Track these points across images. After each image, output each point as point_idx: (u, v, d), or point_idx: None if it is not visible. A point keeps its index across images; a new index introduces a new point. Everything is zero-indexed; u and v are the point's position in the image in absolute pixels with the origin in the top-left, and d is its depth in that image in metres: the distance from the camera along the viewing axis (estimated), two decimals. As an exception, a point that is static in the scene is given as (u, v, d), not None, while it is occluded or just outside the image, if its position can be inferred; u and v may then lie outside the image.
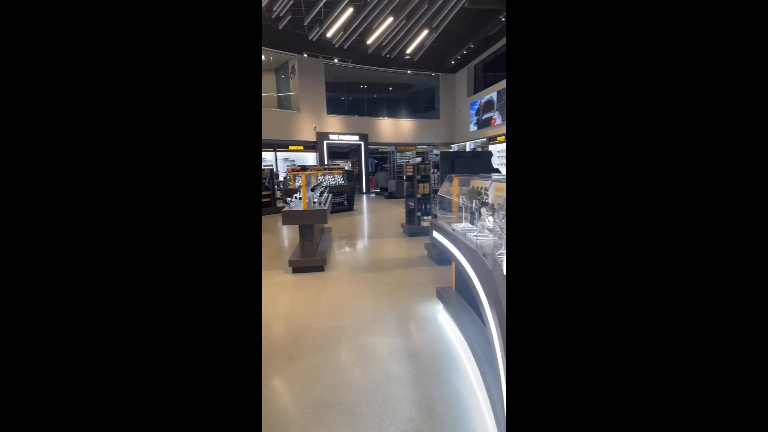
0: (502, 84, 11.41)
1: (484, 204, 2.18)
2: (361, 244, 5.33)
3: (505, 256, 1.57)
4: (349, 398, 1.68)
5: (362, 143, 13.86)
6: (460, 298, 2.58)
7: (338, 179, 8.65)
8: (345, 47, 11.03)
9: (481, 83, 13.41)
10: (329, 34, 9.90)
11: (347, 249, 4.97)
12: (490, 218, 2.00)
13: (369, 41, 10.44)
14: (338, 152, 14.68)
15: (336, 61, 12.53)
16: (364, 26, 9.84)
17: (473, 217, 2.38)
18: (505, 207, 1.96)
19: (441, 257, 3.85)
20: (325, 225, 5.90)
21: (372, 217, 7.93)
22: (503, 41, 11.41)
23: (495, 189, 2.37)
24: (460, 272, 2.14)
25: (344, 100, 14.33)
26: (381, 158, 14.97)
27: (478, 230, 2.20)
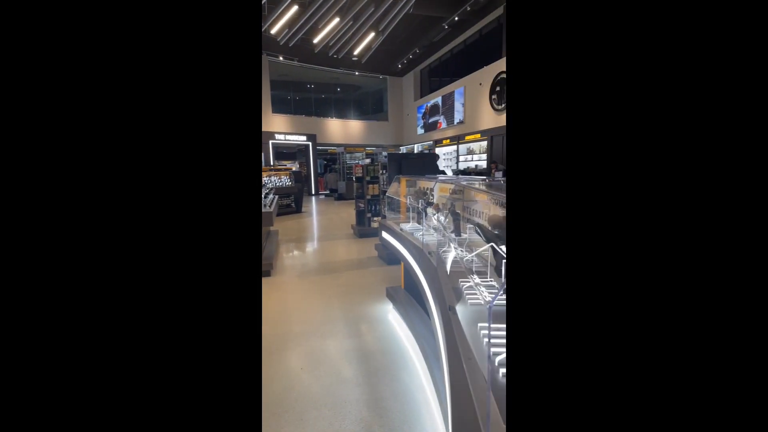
0: (447, 89, 11.91)
1: (430, 204, 2.26)
2: (310, 246, 5.22)
3: (448, 253, 1.63)
4: (298, 404, 1.63)
5: (310, 144, 13.57)
6: (409, 297, 2.64)
7: (285, 180, 8.39)
8: (290, 45, 10.72)
9: (426, 88, 13.86)
10: (273, 31, 9.55)
11: (295, 252, 4.83)
12: (435, 217, 2.08)
13: (315, 40, 10.27)
14: (285, 152, 14.23)
15: (281, 58, 12.14)
16: (310, 25, 9.65)
17: (420, 216, 2.44)
18: (448, 206, 2.05)
19: (391, 257, 3.90)
20: (271, 228, 5.68)
21: (321, 219, 7.80)
22: (448, 47, 11.91)
23: (439, 189, 2.47)
24: (409, 271, 2.18)
25: (290, 99, 13.92)
26: (330, 159, 14.79)
27: (424, 229, 2.26)
